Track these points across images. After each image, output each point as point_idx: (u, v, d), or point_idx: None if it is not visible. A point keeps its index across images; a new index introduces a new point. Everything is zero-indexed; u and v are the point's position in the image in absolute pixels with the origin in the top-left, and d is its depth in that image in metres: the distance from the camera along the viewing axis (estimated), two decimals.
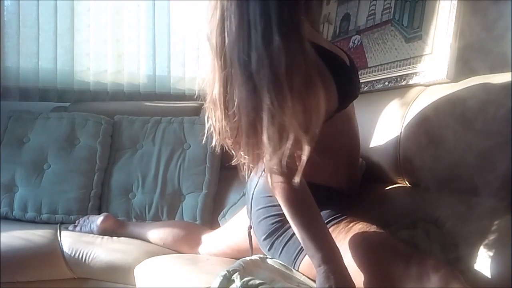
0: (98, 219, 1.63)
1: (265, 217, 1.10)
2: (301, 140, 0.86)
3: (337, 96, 1.06)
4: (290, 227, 1.06)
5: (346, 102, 1.10)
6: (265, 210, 1.11)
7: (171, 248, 1.52)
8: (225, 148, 1.02)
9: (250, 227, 1.17)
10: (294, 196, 0.93)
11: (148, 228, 1.60)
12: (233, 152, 1.00)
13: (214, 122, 0.99)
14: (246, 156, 0.95)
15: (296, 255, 1.05)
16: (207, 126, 1.02)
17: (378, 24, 1.56)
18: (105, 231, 1.60)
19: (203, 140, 1.04)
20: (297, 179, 0.88)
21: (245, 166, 0.98)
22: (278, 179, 0.92)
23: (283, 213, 1.06)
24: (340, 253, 0.90)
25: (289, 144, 0.86)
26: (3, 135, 1.87)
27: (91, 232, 1.61)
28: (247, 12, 0.88)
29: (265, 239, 1.11)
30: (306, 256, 1.01)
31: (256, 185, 1.15)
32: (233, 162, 1.01)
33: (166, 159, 1.86)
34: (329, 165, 1.11)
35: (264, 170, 1.14)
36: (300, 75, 0.86)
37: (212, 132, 1.01)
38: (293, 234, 1.05)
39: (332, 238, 0.92)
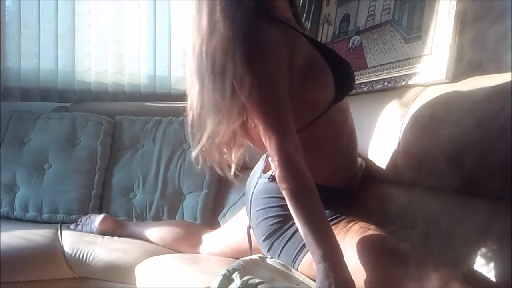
0: (97, 220, 1.63)
1: (264, 218, 1.11)
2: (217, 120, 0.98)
3: (333, 86, 1.07)
4: (289, 228, 1.06)
5: (342, 93, 1.12)
6: (264, 211, 1.11)
7: (171, 247, 1.52)
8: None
9: (250, 227, 1.18)
10: (298, 191, 0.92)
11: (148, 228, 1.61)
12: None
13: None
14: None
15: (295, 255, 1.05)
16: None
17: (378, 25, 1.57)
18: (104, 232, 1.60)
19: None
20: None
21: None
22: (284, 172, 0.93)
23: (282, 214, 1.07)
24: (341, 251, 0.90)
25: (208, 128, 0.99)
26: (4, 135, 1.88)
27: (92, 232, 1.62)
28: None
29: (264, 240, 1.11)
30: (305, 256, 1.02)
31: (255, 186, 1.15)
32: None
33: (166, 159, 1.87)
34: (328, 163, 1.12)
35: (263, 171, 1.15)
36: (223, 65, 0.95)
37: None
38: (292, 235, 1.06)
39: (334, 236, 0.92)
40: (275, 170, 0.95)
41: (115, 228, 1.62)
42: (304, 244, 1.00)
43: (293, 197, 0.93)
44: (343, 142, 1.16)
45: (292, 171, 0.92)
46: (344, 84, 1.11)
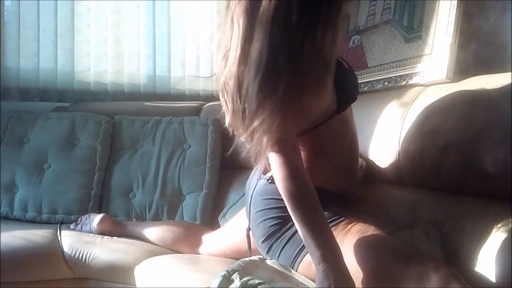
0: (95, 221, 1.62)
1: (263, 219, 1.11)
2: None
3: (335, 97, 1.07)
4: (288, 229, 1.06)
5: (344, 104, 1.11)
6: (263, 212, 1.11)
7: (170, 248, 1.52)
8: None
9: (249, 229, 1.17)
10: (296, 191, 0.93)
11: (148, 228, 1.60)
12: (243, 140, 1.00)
13: (227, 107, 0.98)
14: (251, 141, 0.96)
15: (295, 257, 1.05)
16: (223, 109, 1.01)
17: (378, 24, 1.57)
18: (103, 232, 1.60)
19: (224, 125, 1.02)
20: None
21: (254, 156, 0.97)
22: (283, 173, 0.92)
23: (282, 216, 1.06)
24: (340, 251, 0.90)
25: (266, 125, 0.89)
26: (3, 135, 1.87)
27: (91, 232, 1.61)
28: None
29: (263, 241, 1.11)
30: (305, 258, 1.02)
31: (255, 187, 1.15)
32: (244, 154, 1.00)
33: (166, 159, 1.86)
34: (328, 168, 1.11)
35: (263, 172, 1.15)
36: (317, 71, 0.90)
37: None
38: (291, 236, 1.06)
39: (334, 237, 0.92)
40: (273, 170, 0.95)
41: (113, 228, 1.62)
42: (303, 245, 1.00)
43: (291, 198, 0.93)
44: (343, 150, 1.15)
45: (291, 172, 0.93)
46: (347, 96, 1.11)
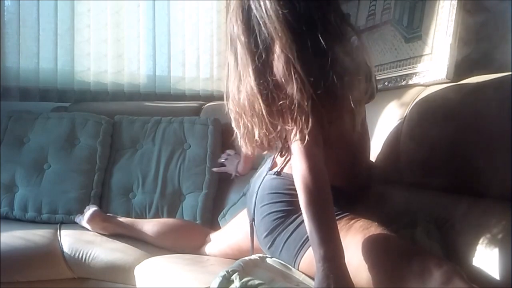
0: (85, 217, 1.57)
1: (268, 213, 1.11)
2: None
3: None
4: (291, 222, 1.06)
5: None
6: (268, 206, 1.11)
7: (168, 247, 1.49)
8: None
9: (253, 220, 1.17)
10: (312, 185, 0.92)
11: (143, 224, 1.56)
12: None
13: (251, 127, 1.02)
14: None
15: (297, 251, 1.05)
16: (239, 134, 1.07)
17: (378, 24, 1.57)
18: (95, 230, 1.56)
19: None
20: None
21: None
22: (303, 165, 0.93)
23: (286, 210, 1.07)
24: (343, 253, 0.90)
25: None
26: (3, 135, 1.87)
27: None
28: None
29: (266, 235, 1.11)
30: (307, 253, 1.02)
31: (261, 183, 1.15)
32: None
33: (166, 159, 1.86)
34: (333, 164, 1.11)
35: (270, 168, 1.15)
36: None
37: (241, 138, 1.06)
38: (294, 229, 1.06)
39: (339, 237, 0.91)
40: (293, 161, 0.95)
41: (105, 226, 1.56)
42: (305, 239, 1.01)
43: (306, 191, 0.92)
44: (352, 146, 1.15)
45: (310, 164, 0.93)
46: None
